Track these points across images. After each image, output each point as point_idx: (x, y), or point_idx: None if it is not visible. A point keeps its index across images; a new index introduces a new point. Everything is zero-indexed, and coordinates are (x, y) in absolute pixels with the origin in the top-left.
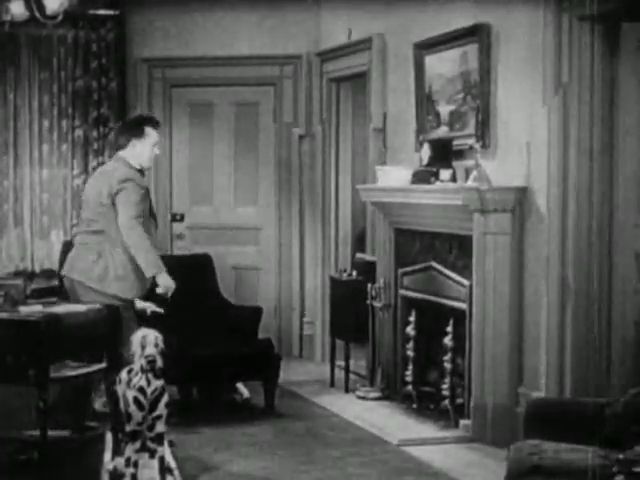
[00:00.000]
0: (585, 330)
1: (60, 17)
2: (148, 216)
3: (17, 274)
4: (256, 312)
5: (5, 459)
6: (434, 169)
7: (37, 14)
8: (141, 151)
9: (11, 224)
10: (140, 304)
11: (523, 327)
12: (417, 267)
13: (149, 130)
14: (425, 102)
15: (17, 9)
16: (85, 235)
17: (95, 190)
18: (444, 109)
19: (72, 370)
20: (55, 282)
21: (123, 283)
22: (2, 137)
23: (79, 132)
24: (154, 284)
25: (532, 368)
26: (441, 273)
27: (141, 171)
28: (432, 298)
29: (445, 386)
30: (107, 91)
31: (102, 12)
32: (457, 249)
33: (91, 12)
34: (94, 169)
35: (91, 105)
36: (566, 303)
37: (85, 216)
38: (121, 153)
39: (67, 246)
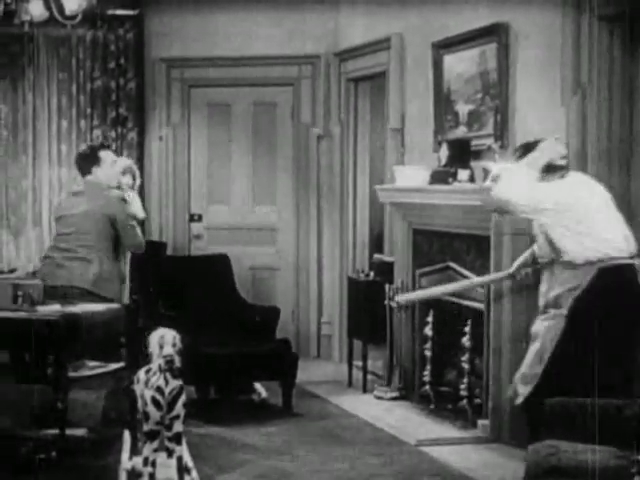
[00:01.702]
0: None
1: (79, 17)
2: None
3: (35, 274)
4: (273, 312)
5: (24, 458)
6: (452, 169)
7: (56, 14)
8: (104, 174)
9: (30, 224)
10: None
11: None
12: (435, 267)
13: (102, 154)
14: (443, 102)
15: (36, 9)
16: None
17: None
18: (462, 109)
19: (90, 370)
20: None
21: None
22: (21, 137)
23: (97, 132)
24: None
25: None
26: (459, 273)
27: (118, 187)
28: (450, 298)
29: (463, 386)
30: (125, 91)
31: (121, 12)
32: (475, 249)
33: (110, 12)
34: None
35: (109, 105)
36: None
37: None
38: (90, 178)
39: None
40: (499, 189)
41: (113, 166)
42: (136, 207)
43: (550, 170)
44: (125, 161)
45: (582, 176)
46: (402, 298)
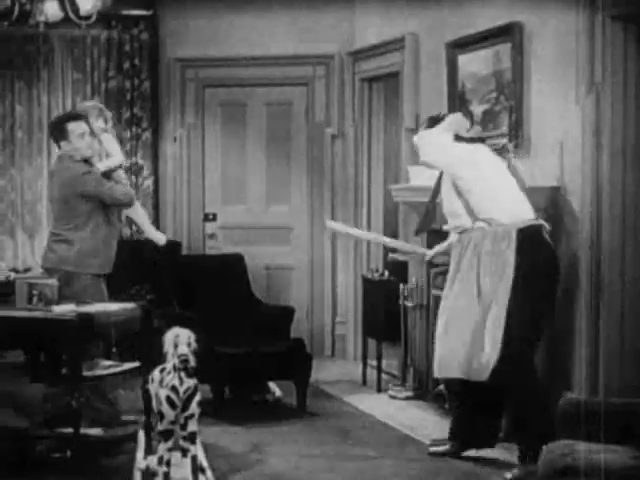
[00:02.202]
0: (619, 330)
1: (93, 17)
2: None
3: (46, 268)
4: (288, 311)
5: (38, 457)
6: None
7: (71, 15)
8: (71, 148)
9: (45, 224)
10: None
11: (556, 327)
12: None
13: (71, 126)
14: (458, 102)
15: (51, 9)
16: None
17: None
18: (477, 108)
19: (105, 369)
20: None
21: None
22: (36, 137)
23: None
24: None
25: (564, 368)
26: None
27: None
28: None
29: None
30: (140, 91)
31: (135, 12)
32: None
33: (124, 12)
34: (129, 169)
35: (124, 105)
36: (599, 303)
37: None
38: (59, 154)
39: None
40: (423, 153)
41: (83, 138)
42: (112, 151)
43: (457, 140)
44: (86, 105)
45: (486, 147)
46: (331, 224)
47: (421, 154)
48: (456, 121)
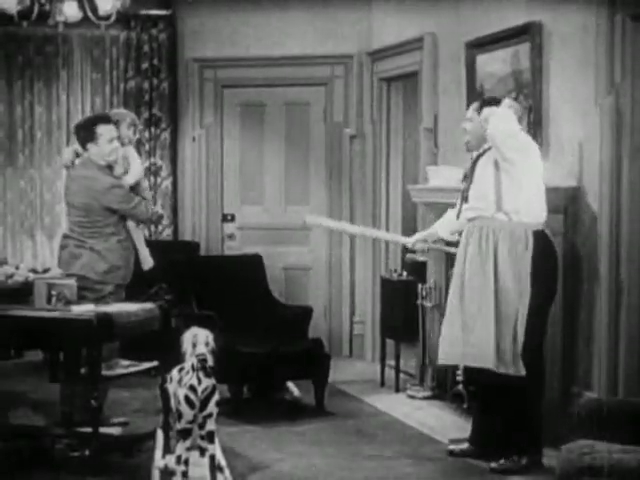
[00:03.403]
0: (638, 330)
1: (112, 18)
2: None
3: (69, 274)
4: (306, 312)
5: (57, 456)
6: None
7: (90, 15)
8: (98, 151)
9: (64, 225)
10: None
11: (576, 327)
12: None
13: (101, 129)
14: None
15: (70, 10)
16: None
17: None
18: None
19: (124, 369)
20: None
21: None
22: (55, 138)
23: None
24: None
25: (584, 367)
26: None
27: (110, 167)
28: None
29: None
30: (159, 92)
31: (154, 12)
32: None
33: (143, 13)
34: (147, 169)
35: (143, 106)
36: (619, 303)
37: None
38: (85, 157)
39: None
40: (493, 126)
41: (112, 143)
42: (133, 164)
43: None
44: (121, 111)
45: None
46: (310, 219)
47: (490, 127)
48: (514, 106)
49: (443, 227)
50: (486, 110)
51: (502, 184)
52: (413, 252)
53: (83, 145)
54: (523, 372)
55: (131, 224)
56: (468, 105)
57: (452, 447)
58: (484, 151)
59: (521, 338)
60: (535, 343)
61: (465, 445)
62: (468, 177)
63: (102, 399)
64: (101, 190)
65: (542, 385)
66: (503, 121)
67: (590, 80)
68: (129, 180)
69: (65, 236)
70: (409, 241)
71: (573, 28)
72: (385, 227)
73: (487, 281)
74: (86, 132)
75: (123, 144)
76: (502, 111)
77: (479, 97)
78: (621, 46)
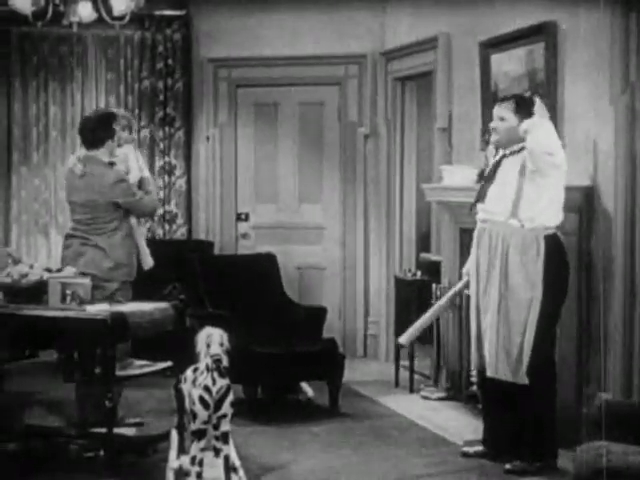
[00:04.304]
0: None
1: (127, 18)
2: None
3: (83, 273)
4: (320, 312)
5: (71, 456)
6: None
7: (104, 15)
8: (107, 149)
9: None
10: None
11: (590, 327)
12: None
13: (115, 125)
14: (491, 101)
15: (85, 10)
16: None
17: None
18: None
19: (138, 369)
20: None
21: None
22: (69, 137)
23: (145, 132)
24: None
25: (599, 369)
26: None
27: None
28: None
29: None
30: (173, 91)
31: (168, 13)
32: None
33: (157, 13)
34: (161, 168)
35: (157, 105)
36: (634, 303)
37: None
38: (91, 155)
39: None
40: (533, 139)
41: (118, 142)
42: (132, 164)
43: None
44: (121, 112)
45: None
46: (404, 339)
47: (531, 140)
48: (545, 108)
49: None
50: (527, 122)
51: (523, 191)
52: (427, 251)
53: (101, 143)
54: (526, 381)
55: (133, 222)
56: (482, 104)
57: (466, 449)
58: (510, 153)
59: (528, 346)
60: (546, 348)
61: (479, 447)
62: (489, 177)
63: (116, 399)
64: (108, 185)
65: (554, 389)
66: (545, 137)
67: (605, 79)
68: (130, 180)
69: (68, 236)
70: (442, 303)
71: (588, 27)
72: (399, 226)
73: (496, 291)
74: (106, 130)
75: (119, 145)
76: (544, 124)
77: (493, 96)
78: (636, 45)
